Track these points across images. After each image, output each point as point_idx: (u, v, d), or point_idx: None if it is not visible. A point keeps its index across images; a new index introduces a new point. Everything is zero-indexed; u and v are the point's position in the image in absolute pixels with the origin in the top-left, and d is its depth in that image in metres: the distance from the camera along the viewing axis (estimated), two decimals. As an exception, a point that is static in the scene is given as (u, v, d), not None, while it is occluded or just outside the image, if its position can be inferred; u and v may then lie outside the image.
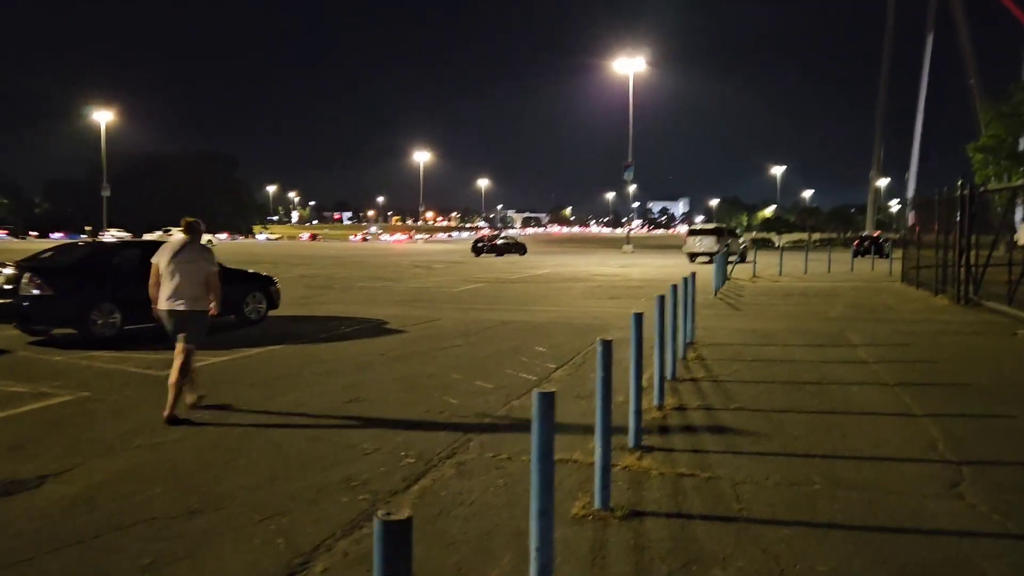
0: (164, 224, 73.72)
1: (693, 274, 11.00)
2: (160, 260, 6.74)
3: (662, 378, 7.05)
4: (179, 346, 6.63)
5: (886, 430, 6.27)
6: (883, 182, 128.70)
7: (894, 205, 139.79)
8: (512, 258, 46.12)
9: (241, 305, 12.55)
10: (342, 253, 56.92)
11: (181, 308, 6.64)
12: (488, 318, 14.14)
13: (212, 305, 6.86)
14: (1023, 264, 15.33)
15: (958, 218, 16.07)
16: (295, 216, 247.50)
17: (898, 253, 30.98)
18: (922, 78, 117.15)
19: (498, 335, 11.90)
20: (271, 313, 13.37)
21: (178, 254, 6.72)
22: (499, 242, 51.05)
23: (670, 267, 34.63)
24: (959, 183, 15.84)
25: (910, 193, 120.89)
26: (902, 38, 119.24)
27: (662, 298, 7.00)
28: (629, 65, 61.76)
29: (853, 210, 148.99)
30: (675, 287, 8.26)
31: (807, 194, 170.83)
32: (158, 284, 6.72)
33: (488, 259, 44.58)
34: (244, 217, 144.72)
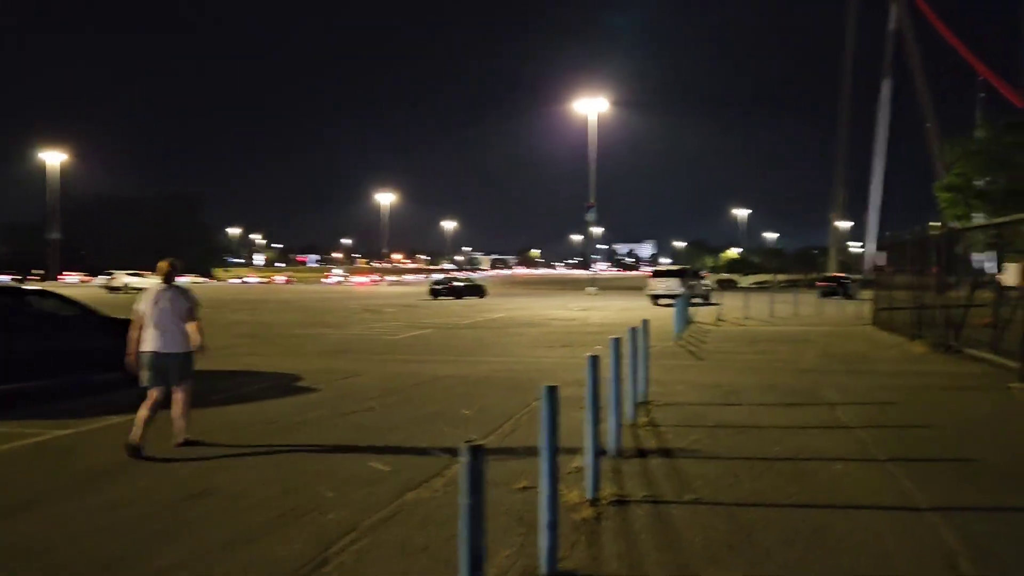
0: (124, 267, 69.95)
1: (646, 321, 9.51)
2: (143, 306, 6.90)
3: (597, 460, 5.47)
4: (176, 392, 6.95)
5: (886, 534, 4.73)
6: (844, 224, 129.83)
7: (855, 247, 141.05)
8: (471, 301, 44.52)
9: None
10: (299, 296, 54.87)
11: (169, 351, 6.80)
12: (420, 372, 12.51)
13: (200, 348, 7.01)
14: (993, 305, 14.15)
15: (935, 259, 14.89)
16: (259, 259, 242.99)
17: (867, 294, 30.00)
18: (879, 122, 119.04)
19: (423, 395, 10.26)
20: (165, 369, 11.59)
21: (159, 299, 6.87)
22: (458, 284, 49.42)
23: (632, 310, 33.27)
24: (939, 222, 14.70)
25: (871, 235, 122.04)
26: (860, 84, 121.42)
27: (594, 359, 5.45)
28: (590, 105, 61.30)
29: (816, 251, 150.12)
30: (616, 341, 6.74)
31: (771, 236, 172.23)
32: (141, 330, 6.87)
33: (445, 302, 42.92)
34: (208, 260, 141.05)
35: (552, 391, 4.11)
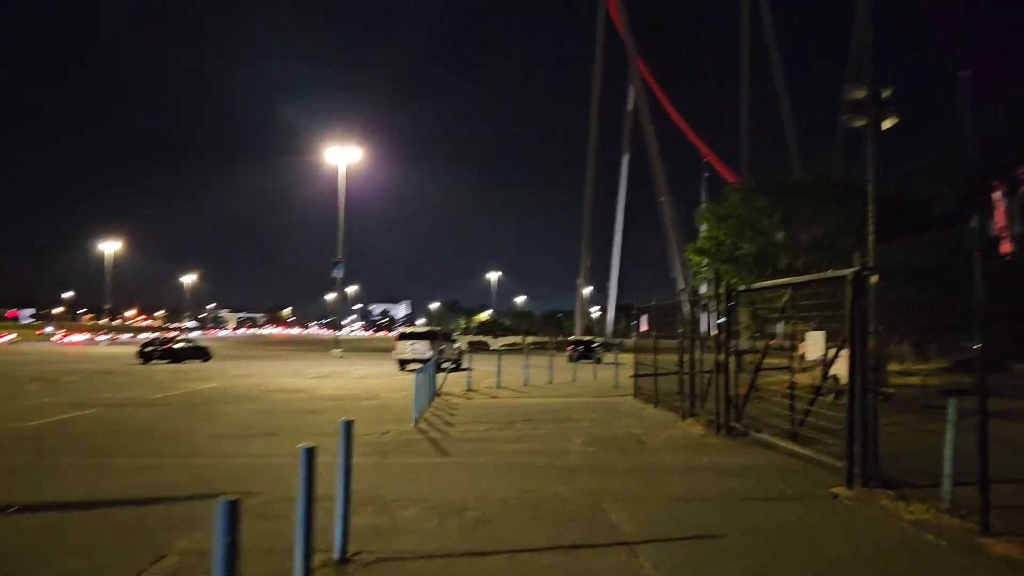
0: None
1: (349, 424, 5.82)
2: None
3: None
4: None
5: None
6: (588, 288, 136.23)
7: (595, 311, 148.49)
8: (190, 366, 38.11)
9: None
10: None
11: None
12: None
13: None
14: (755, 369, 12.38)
15: (715, 325, 12.79)
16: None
17: (622, 359, 28.75)
18: (619, 193, 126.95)
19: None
20: None
21: None
22: (177, 346, 42.37)
23: (375, 377, 29.49)
24: (720, 283, 12.67)
25: (611, 300, 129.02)
26: (607, 157, 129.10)
27: None
28: (341, 155, 57.65)
29: (561, 315, 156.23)
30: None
31: (521, 299, 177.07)
32: None
33: (157, 367, 36.23)
34: None
35: None
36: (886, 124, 16.70)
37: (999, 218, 47.21)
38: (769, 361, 12.72)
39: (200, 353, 42.50)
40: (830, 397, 10.39)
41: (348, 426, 5.65)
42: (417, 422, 13.94)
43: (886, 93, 16.53)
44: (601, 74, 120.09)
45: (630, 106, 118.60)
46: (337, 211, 56.94)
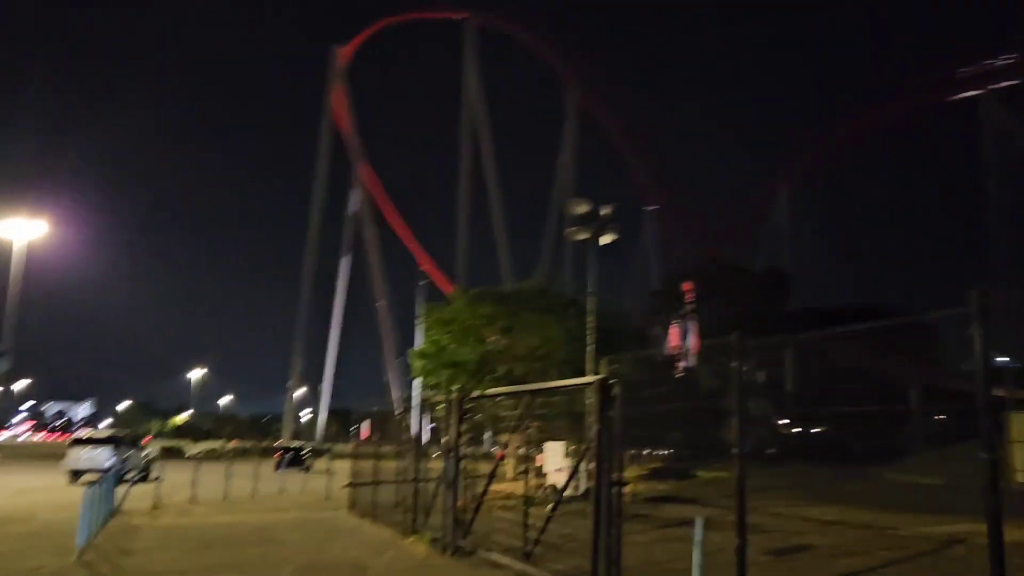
0: None
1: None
2: None
3: None
4: None
5: None
6: (299, 392, 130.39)
7: (307, 414, 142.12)
8: None
9: None
10: None
11: None
12: None
13: None
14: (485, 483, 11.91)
15: (444, 430, 12.04)
16: None
17: (335, 466, 26.94)
18: (337, 295, 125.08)
19: None
20: None
21: None
22: None
23: (37, 492, 24.70)
24: (453, 388, 12.01)
25: (324, 403, 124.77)
26: (324, 257, 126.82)
27: None
28: (20, 228, 50.17)
29: (268, 417, 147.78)
30: None
31: (227, 400, 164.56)
32: None
33: None
34: None
35: None
36: (605, 239, 17.74)
37: (672, 339, 53.15)
38: (481, 469, 12.25)
39: None
40: (547, 508, 10.02)
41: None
42: (83, 552, 11.33)
43: (606, 211, 17.61)
44: (326, 175, 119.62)
45: (352, 209, 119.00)
46: (6, 295, 49.09)
